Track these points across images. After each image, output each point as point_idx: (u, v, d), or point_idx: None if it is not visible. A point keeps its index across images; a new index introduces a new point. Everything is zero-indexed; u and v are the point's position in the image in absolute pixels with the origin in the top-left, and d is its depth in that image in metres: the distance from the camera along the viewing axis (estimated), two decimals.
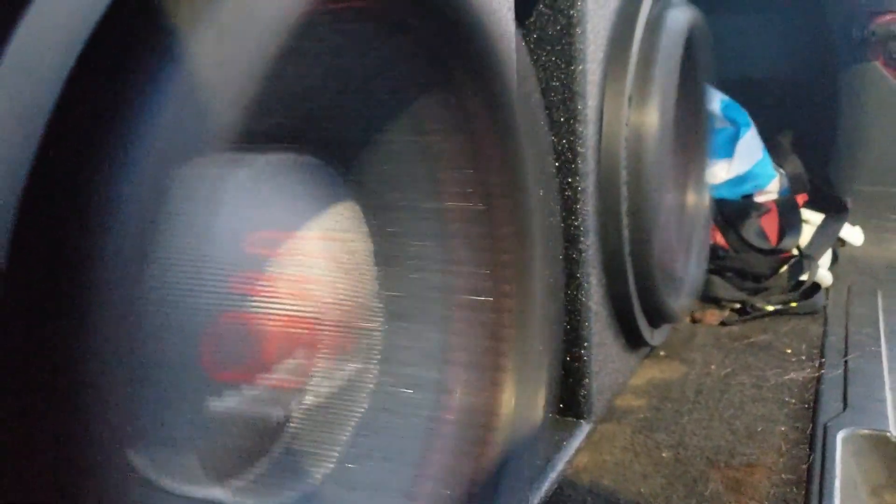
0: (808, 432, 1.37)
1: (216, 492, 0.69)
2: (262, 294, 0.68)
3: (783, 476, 1.24)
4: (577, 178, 1.25)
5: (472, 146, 0.79)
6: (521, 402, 0.86)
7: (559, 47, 1.22)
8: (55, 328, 0.42)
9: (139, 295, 0.45)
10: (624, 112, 1.32)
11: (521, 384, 0.86)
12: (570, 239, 1.27)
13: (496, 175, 0.81)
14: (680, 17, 1.49)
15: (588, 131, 1.27)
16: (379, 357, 0.82)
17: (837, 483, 1.17)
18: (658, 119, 1.36)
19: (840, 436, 1.31)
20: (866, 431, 1.32)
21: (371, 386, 0.81)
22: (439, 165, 0.79)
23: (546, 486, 1.20)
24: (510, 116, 0.79)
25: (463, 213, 0.83)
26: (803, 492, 1.20)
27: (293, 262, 0.71)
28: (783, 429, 1.39)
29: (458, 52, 0.73)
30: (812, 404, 1.47)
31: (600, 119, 1.31)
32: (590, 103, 1.26)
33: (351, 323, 0.78)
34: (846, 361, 1.62)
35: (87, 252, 0.43)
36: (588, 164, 1.28)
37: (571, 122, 1.24)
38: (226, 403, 0.66)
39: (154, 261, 0.49)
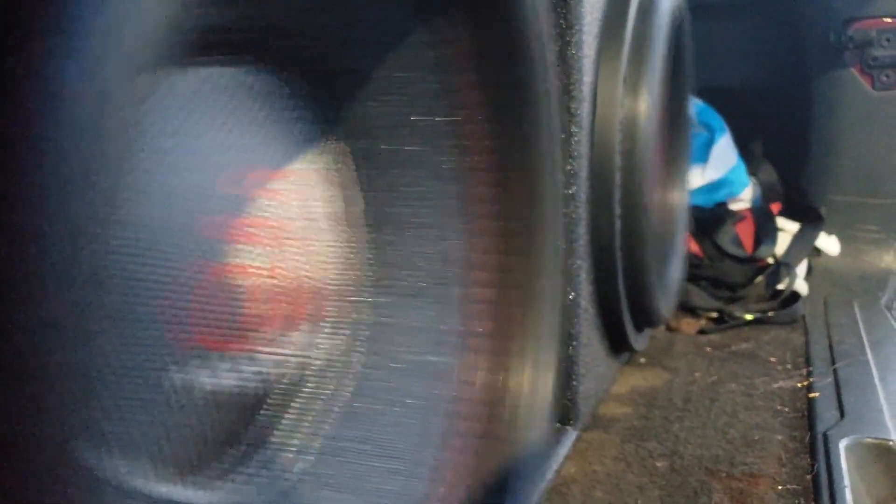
0: (806, 441, 1.28)
1: (174, 489, 0.55)
2: (234, 241, 0.56)
3: (788, 486, 1.15)
4: (571, 160, 1.15)
5: (483, 90, 0.68)
6: (529, 390, 0.75)
7: (554, 16, 1.12)
8: None
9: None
10: (618, 93, 1.23)
11: (528, 370, 0.75)
12: (563, 226, 1.16)
13: (508, 126, 0.70)
14: (669, 1, 1.41)
15: (582, 111, 1.17)
16: (367, 335, 0.70)
17: (848, 494, 1.09)
18: (652, 103, 1.27)
19: (843, 444, 1.22)
20: (869, 440, 1.24)
21: (357, 368, 0.68)
22: (446, 112, 0.68)
23: (535, 498, 1.09)
24: (532, 59, 0.68)
25: (467, 171, 0.72)
26: (812, 503, 1.10)
27: (269, 207, 0.59)
28: (780, 437, 1.29)
29: None
30: (806, 413, 1.39)
31: (594, 99, 1.21)
32: (585, 80, 1.16)
33: (334, 291, 0.66)
34: (835, 370, 1.55)
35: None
36: (582, 147, 1.18)
37: (565, 99, 1.14)
38: (190, 376, 0.53)
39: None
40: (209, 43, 0.52)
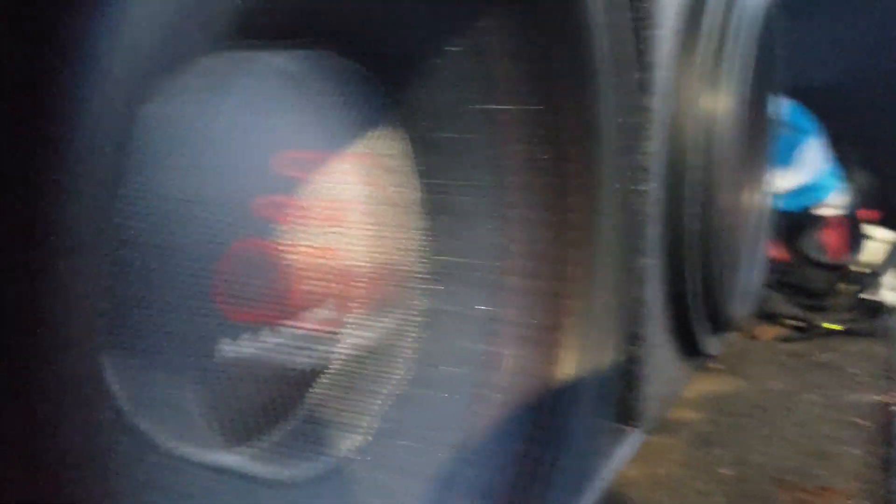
0: (885, 457, 1.22)
1: (224, 457, 0.57)
2: (290, 222, 0.57)
3: (861, 503, 1.10)
4: (643, 156, 1.13)
5: (544, 79, 0.68)
6: (581, 384, 0.74)
7: (630, 7, 1.10)
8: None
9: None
10: (696, 88, 1.20)
11: (581, 365, 0.74)
12: (632, 224, 1.14)
13: (570, 116, 0.69)
14: None
15: (658, 106, 1.14)
16: (419, 321, 0.70)
17: None
18: (733, 100, 1.23)
19: None
20: None
21: (408, 353, 0.69)
22: (502, 100, 0.68)
23: (592, 497, 1.07)
24: (594, 50, 0.67)
25: (524, 161, 0.72)
26: None
27: (327, 188, 0.60)
28: (857, 452, 1.24)
29: None
30: (888, 428, 1.33)
31: (671, 94, 1.19)
32: (662, 74, 1.13)
33: (387, 276, 0.67)
34: None
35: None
36: (656, 143, 1.15)
37: (640, 93, 1.12)
38: (242, 350, 0.54)
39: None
40: (269, 26, 0.54)
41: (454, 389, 0.69)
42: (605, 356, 0.77)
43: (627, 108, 1.03)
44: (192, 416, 0.53)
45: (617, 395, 1.22)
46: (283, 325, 0.57)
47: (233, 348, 0.53)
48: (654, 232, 1.17)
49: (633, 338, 1.19)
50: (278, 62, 0.56)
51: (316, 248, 0.58)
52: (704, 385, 1.50)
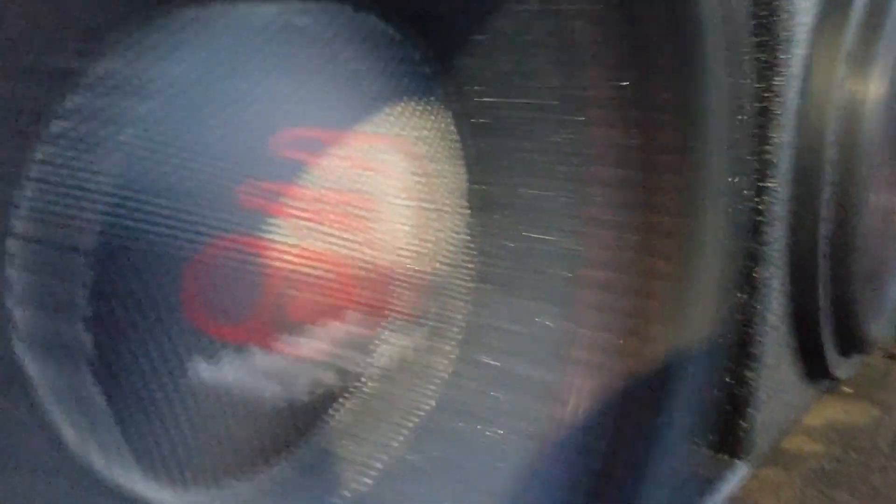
0: None
1: (204, 495, 0.48)
2: (293, 216, 0.46)
3: None
4: (768, 147, 0.96)
5: (635, 47, 0.54)
6: (666, 426, 0.60)
7: None
8: None
9: None
10: (840, 71, 1.02)
11: (670, 389, 0.61)
12: (751, 226, 0.98)
13: (666, 95, 0.55)
14: None
15: (790, 89, 0.97)
16: (458, 337, 0.59)
17: None
18: (886, 86, 1.04)
19: None
20: None
21: (442, 375, 0.57)
22: (581, 72, 0.55)
23: None
24: (697, 6, 0.53)
25: (607, 148, 0.58)
26: None
27: (338, 176, 0.48)
28: None
29: None
30: None
31: (807, 76, 1.01)
32: (797, 52, 0.96)
33: (421, 280, 0.55)
34: None
35: None
36: (785, 133, 0.98)
37: (769, 74, 0.95)
38: (221, 372, 0.44)
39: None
40: None
41: (502, 423, 0.57)
42: (704, 380, 0.63)
43: (747, 89, 0.86)
44: (160, 450, 0.43)
45: (721, 421, 1.06)
46: (275, 345, 0.47)
47: (208, 369, 0.43)
48: (777, 236, 1.00)
49: (744, 357, 1.04)
50: (284, 16, 0.45)
51: (318, 248, 0.47)
52: (831, 412, 1.32)
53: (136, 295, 0.41)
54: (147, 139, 0.39)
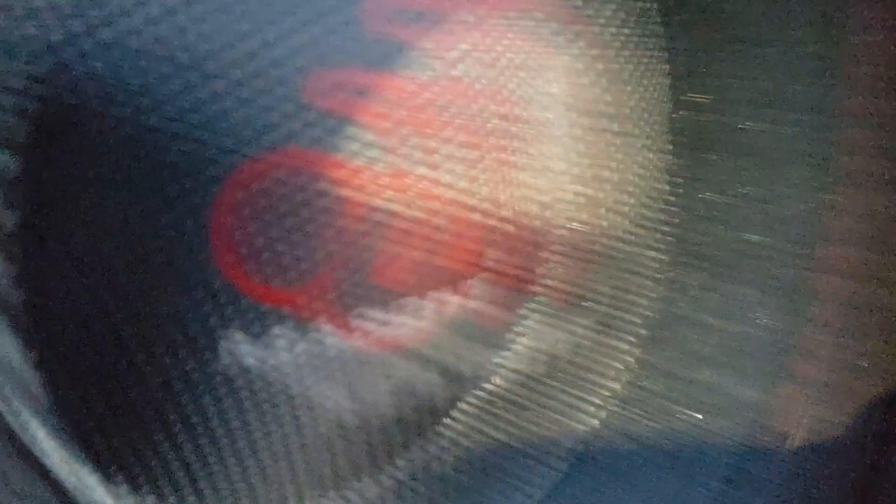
0: None
1: None
2: (392, 129, 0.30)
3: None
4: None
5: None
6: None
7: None
8: None
9: None
10: None
11: None
12: None
13: None
14: None
15: None
16: (640, 332, 0.41)
17: None
18: None
19: None
20: None
21: (612, 387, 0.40)
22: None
23: None
24: None
25: (875, 125, 0.39)
26: None
27: (477, 66, 0.32)
28: None
29: None
30: None
31: None
32: None
33: (591, 245, 0.38)
34: None
35: None
36: None
37: None
38: (275, 361, 0.29)
39: None
40: None
41: (694, 456, 0.40)
42: None
43: None
44: (167, 469, 0.29)
45: None
46: (364, 325, 0.31)
47: (259, 353, 0.29)
48: None
49: None
50: None
51: (440, 183, 0.31)
52: None
53: (154, 238, 0.26)
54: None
